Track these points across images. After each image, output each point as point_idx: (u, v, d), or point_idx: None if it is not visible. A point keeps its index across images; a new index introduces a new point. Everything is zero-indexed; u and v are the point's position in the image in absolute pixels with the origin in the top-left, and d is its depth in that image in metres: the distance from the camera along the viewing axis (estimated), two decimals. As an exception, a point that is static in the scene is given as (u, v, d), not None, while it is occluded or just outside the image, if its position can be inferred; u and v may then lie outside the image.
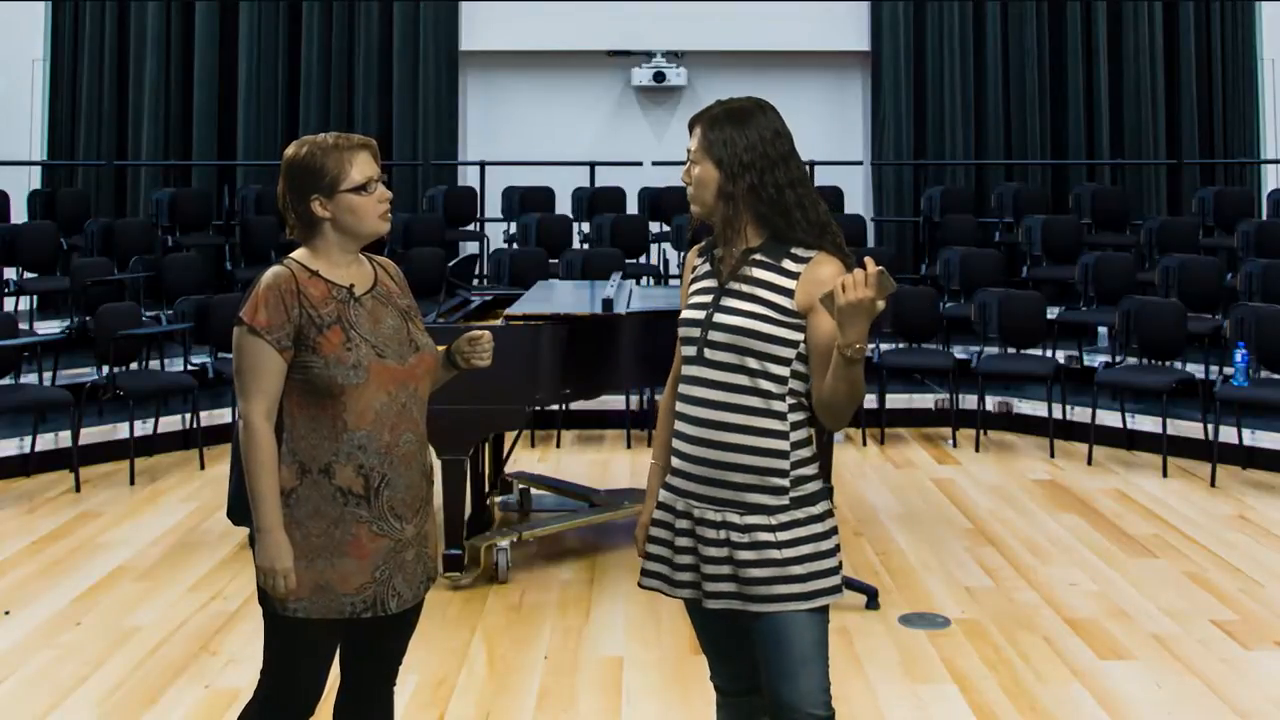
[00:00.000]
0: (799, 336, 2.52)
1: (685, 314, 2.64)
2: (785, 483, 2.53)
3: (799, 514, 2.53)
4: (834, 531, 2.59)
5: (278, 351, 2.56)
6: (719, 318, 2.55)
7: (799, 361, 2.53)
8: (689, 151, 2.61)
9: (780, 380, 2.53)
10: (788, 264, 2.54)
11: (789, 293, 2.53)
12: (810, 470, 2.57)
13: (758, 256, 2.56)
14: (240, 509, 2.65)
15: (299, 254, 2.68)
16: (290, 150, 2.69)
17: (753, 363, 2.52)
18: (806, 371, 2.54)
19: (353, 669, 2.76)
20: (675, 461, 2.62)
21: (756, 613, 2.52)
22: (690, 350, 2.60)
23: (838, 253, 2.56)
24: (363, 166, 2.64)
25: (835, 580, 2.56)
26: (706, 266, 2.65)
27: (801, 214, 2.55)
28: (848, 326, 2.35)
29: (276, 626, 2.63)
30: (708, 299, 2.60)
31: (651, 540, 2.67)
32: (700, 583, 2.57)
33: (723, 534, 2.53)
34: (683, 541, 2.60)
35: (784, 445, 2.53)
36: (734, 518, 2.53)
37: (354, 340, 2.60)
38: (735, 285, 2.57)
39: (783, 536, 2.51)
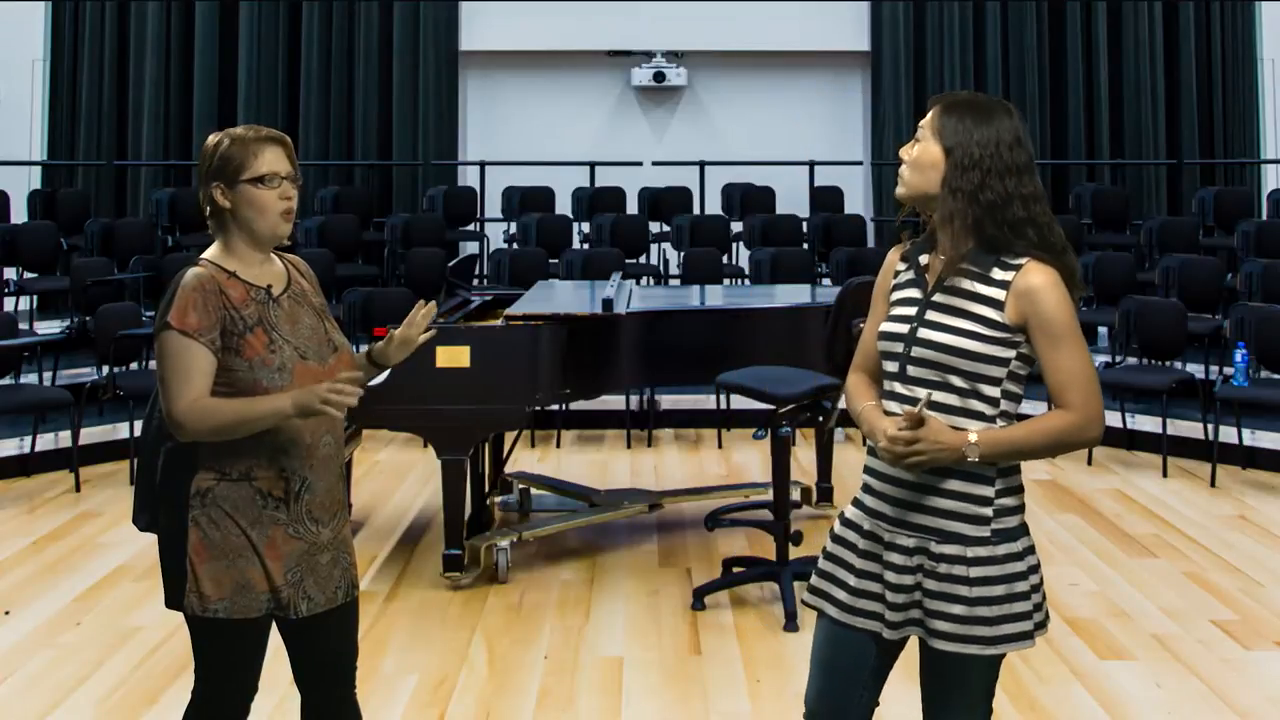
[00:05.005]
0: (1010, 354, 2.34)
1: (886, 326, 2.44)
2: (989, 512, 2.34)
3: (999, 550, 2.34)
4: (1035, 569, 2.38)
5: (211, 353, 2.50)
6: (924, 333, 2.37)
7: (1010, 381, 2.36)
8: (919, 128, 2.41)
9: (992, 401, 2.35)
10: (996, 273, 2.35)
11: (999, 304, 2.33)
12: (1015, 501, 2.38)
13: (965, 265, 2.36)
14: (144, 513, 2.63)
15: (212, 253, 2.60)
16: (208, 139, 2.62)
17: (959, 382, 2.34)
18: (1019, 391, 2.38)
19: (302, 679, 2.70)
20: (869, 479, 2.44)
21: (937, 649, 2.37)
22: (892, 366, 2.42)
23: (1055, 261, 2.33)
24: (270, 160, 2.55)
25: (1026, 626, 2.35)
26: (910, 274, 2.46)
27: (1035, 232, 2.33)
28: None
29: (200, 629, 2.58)
30: (911, 311, 2.41)
31: (827, 557, 2.49)
32: (884, 613, 2.39)
33: (915, 560, 2.36)
34: (865, 565, 2.42)
35: (990, 471, 2.35)
36: (931, 545, 2.35)
37: (277, 342, 2.55)
38: (942, 298, 2.38)
39: (975, 573, 2.32)
